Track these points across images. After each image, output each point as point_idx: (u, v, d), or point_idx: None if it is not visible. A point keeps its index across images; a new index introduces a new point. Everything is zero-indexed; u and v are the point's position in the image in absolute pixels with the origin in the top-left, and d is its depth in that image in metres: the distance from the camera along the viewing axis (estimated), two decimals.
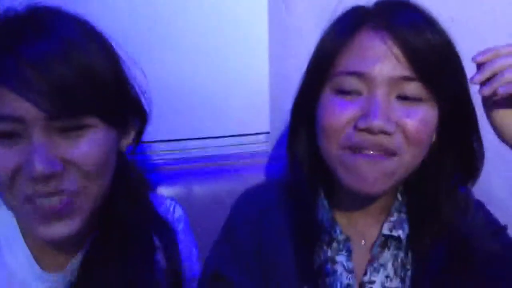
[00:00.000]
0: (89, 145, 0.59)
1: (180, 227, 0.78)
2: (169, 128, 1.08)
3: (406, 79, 0.63)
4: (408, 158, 0.65)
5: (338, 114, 0.64)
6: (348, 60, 0.65)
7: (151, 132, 0.82)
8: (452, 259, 0.69)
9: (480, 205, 0.76)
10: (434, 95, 0.64)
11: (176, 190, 0.98)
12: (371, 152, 0.63)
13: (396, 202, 0.74)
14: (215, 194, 0.97)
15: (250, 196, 0.78)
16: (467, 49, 0.67)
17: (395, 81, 0.63)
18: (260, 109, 1.14)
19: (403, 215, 0.73)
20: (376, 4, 0.68)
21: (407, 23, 0.64)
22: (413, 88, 0.63)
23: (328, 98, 0.66)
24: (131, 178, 0.72)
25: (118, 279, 0.66)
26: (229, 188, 0.91)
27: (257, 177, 1.00)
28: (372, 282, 0.71)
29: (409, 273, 0.72)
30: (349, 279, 0.71)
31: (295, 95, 0.74)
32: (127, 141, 0.69)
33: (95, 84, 0.59)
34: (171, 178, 1.01)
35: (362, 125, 0.62)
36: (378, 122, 0.61)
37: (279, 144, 1.13)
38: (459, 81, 0.66)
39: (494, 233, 0.72)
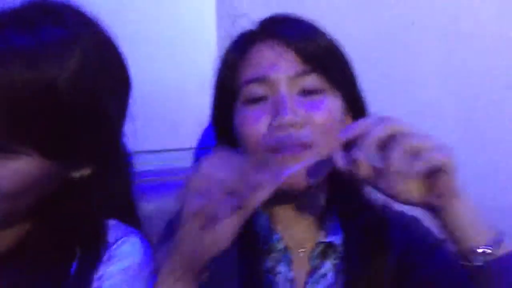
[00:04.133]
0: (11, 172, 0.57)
1: (121, 263, 0.67)
2: None
3: (302, 73, 0.70)
4: (323, 149, 0.67)
5: (253, 124, 0.70)
6: (247, 71, 0.72)
7: None
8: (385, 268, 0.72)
9: (417, 220, 0.78)
10: (332, 84, 0.71)
11: None
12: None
13: (329, 210, 0.77)
14: (162, 210, 0.91)
15: None
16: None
17: (293, 78, 0.69)
18: None
19: (336, 222, 0.76)
20: (265, 21, 0.76)
21: (295, 33, 0.72)
22: (311, 80, 0.70)
23: (240, 110, 0.72)
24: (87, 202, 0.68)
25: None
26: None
27: None
28: None
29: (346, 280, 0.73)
30: None
31: (210, 111, 0.79)
32: (80, 173, 0.65)
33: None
34: None
35: (275, 124, 0.67)
36: (288, 117, 0.66)
37: None
38: (348, 73, 0.75)
39: (433, 246, 0.74)
